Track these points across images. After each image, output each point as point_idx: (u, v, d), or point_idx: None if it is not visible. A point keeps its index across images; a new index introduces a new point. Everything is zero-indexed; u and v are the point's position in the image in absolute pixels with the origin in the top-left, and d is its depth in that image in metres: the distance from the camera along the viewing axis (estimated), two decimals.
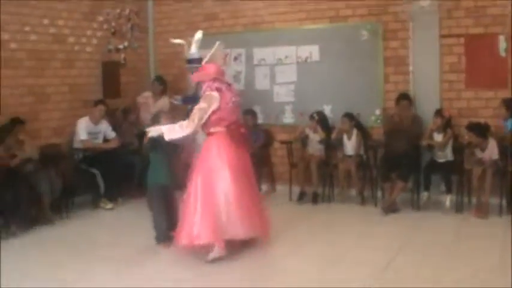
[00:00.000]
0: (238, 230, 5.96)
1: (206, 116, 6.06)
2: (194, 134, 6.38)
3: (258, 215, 6.26)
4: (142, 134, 6.78)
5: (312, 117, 8.74)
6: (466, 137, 7.78)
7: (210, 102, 6.07)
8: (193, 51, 6.64)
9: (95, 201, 8.61)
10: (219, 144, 6.11)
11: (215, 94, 6.08)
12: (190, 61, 6.91)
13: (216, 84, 6.14)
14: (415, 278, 5.44)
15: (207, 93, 6.14)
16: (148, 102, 9.73)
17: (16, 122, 7.73)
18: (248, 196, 6.12)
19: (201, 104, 6.09)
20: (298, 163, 8.80)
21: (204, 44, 6.63)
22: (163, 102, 9.58)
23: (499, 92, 7.97)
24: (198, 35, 6.50)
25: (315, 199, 8.55)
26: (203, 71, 6.28)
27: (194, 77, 6.46)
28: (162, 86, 9.78)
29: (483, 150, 7.65)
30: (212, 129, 6.16)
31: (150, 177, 6.61)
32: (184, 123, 6.06)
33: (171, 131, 6.06)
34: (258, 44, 9.58)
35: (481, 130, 7.65)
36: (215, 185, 5.96)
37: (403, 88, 8.49)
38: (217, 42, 6.47)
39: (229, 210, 5.91)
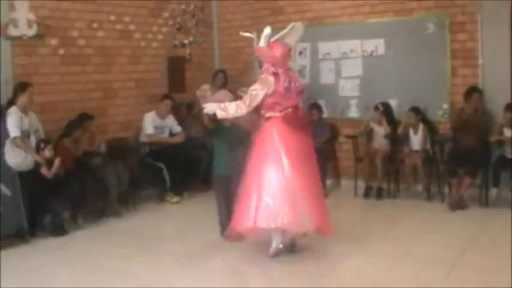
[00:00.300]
0: (291, 220, 5.72)
1: (258, 99, 5.93)
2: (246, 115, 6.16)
3: (315, 206, 5.92)
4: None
5: (376, 108, 8.64)
6: None
7: (263, 85, 5.96)
8: (262, 45, 6.60)
9: (161, 195, 8.73)
10: (272, 130, 5.95)
11: (270, 78, 5.95)
12: None
13: (273, 69, 5.99)
14: (483, 276, 5.32)
15: (263, 76, 6.07)
16: (206, 95, 9.77)
17: (85, 117, 7.91)
18: (304, 184, 5.84)
19: (255, 86, 6.00)
20: (364, 158, 8.71)
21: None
22: (223, 94, 9.60)
23: None
24: (267, 30, 6.44)
25: (380, 194, 8.47)
26: (268, 51, 6.13)
27: (257, 51, 6.34)
28: (226, 79, 9.82)
29: None
30: (268, 114, 6.03)
31: (214, 168, 6.67)
32: (238, 103, 5.99)
33: (224, 109, 5.98)
34: (323, 38, 9.52)
35: None
36: (268, 171, 5.82)
37: (472, 82, 8.30)
38: (293, 23, 6.31)
39: (281, 198, 5.74)
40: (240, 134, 6.28)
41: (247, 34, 6.66)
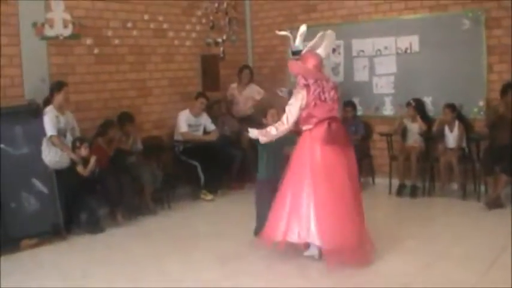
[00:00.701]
0: (314, 237, 5.71)
1: (294, 114, 5.90)
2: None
3: (345, 224, 5.68)
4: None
5: (408, 103, 8.59)
6: None
7: (296, 99, 5.92)
8: (298, 43, 6.56)
9: (195, 193, 8.78)
10: (306, 143, 5.92)
11: (302, 91, 5.91)
12: (294, 53, 6.88)
13: (303, 81, 5.93)
14: None
15: (295, 90, 6.07)
16: (234, 93, 9.85)
17: (124, 119, 8.07)
18: (335, 203, 5.69)
19: (290, 101, 5.99)
20: (398, 155, 8.64)
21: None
22: (251, 91, 9.69)
23: None
24: (303, 28, 6.39)
25: (414, 192, 8.41)
26: (300, 63, 6.09)
27: (290, 66, 6.28)
28: (251, 74, 9.88)
29: None
30: (304, 127, 5.99)
31: (258, 171, 6.60)
32: (278, 124, 6.00)
33: (265, 135, 6.02)
34: (357, 36, 9.47)
35: None
36: (300, 186, 5.82)
37: (508, 78, 8.16)
38: (322, 33, 6.15)
39: (308, 215, 5.72)
40: (285, 136, 6.20)
41: (282, 32, 6.63)
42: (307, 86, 5.87)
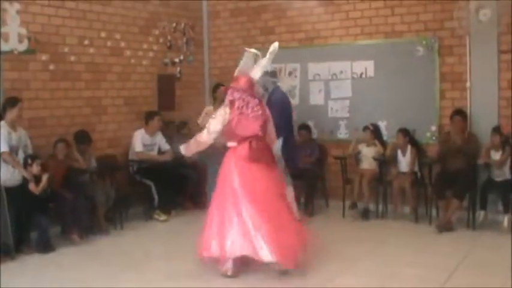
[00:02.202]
0: (241, 248, 5.75)
1: (216, 128, 5.95)
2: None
3: (275, 239, 5.72)
4: None
5: (366, 128, 8.69)
6: None
7: (219, 114, 6.02)
8: (267, 62, 6.49)
9: (149, 213, 8.70)
10: (230, 161, 5.96)
11: (225, 108, 5.98)
12: (265, 73, 6.86)
13: (230, 96, 6.00)
14: None
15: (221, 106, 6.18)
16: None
17: (82, 138, 8.01)
18: (260, 218, 5.72)
19: (213, 115, 6.14)
20: (353, 179, 8.72)
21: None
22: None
23: None
24: (274, 46, 6.40)
25: (366, 215, 8.49)
26: (234, 83, 6.12)
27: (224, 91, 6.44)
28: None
29: None
30: (228, 144, 6.05)
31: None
32: (198, 135, 6.13)
33: (187, 147, 6.18)
34: (313, 59, 9.57)
35: None
36: (224, 204, 5.86)
37: (460, 105, 8.37)
38: (250, 52, 6.27)
39: (232, 229, 5.76)
40: None
41: (252, 50, 6.62)
42: (232, 101, 5.93)
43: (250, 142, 5.85)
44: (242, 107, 5.87)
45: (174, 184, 8.82)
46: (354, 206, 8.61)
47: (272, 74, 7.04)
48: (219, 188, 5.98)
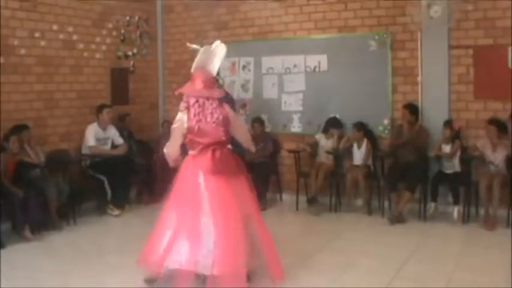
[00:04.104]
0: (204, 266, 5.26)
1: (175, 136, 5.48)
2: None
3: (228, 250, 5.25)
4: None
5: (357, 127, 8.66)
6: (486, 131, 7.84)
7: (175, 122, 5.49)
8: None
9: (102, 208, 8.61)
10: (188, 169, 5.42)
11: (183, 116, 5.40)
12: None
13: (185, 103, 5.41)
14: (425, 286, 5.46)
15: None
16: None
17: (20, 128, 7.75)
18: (217, 229, 5.25)
19: (172, 126, 5.59)
20: (310, 171, 8.78)
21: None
22: None
23: (507, 103, 7.96)
24: (216, 45, 6.23)
25: (314, 202, 8.55)
26: (188, 83, 5.54)
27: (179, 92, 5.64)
28: None
29: (495, 149, 7.71)
30: (190, 152, 5.49)
31: None
32: (166, 146, 5.65)
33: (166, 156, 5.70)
34: (267, 53, 9.60)
35: (501, 125, 7.73)
36: (177, 211, 5.42)
37: (412, 98, 8.50)
38: (206, 47, 5.64)
39: (185, 241, 5.30)
40: None
41: (194, 46, 6.55)
42: (187, 108, 5.37)
43: (213, 151, 5.33)
44: (199, 113, 5.34)
45: (127, 178, 8.76)
46: (313, 199, 8.61)
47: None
48: (175, 196, 5.47)
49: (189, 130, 5.34)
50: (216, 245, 5.20)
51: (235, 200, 5.35)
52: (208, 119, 5.32)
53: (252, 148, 5.97)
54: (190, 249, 5.24)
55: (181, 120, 5.38)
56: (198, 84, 5.38)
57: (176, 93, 5.62)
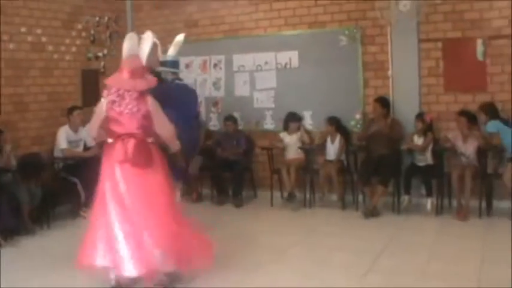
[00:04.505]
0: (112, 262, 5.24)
1: (95, 126, 5.51)
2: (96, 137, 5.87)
3: (141, 247, 5.17)
4: None
5: (330, 122, 8.67)
6: (457, 122, 7.91)
7: (97, 106, 5.53)
8: (170, 53, 6.35)
9: (76, 210, 8.54)
10: (106, 159, 5.40)
11: (103, 100, 5.39)
12: (164, 63, 6.63)
13: (105, 91, 5.39)
14: (398, 279, 5.49)
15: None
16: None
17: None
18: (129, 226, 5.18)
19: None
20: (281, 168, 8.77)
21: (184, 52, 6.56)
22: None
23: (477, 95, 8.05)
24: (179, 37, 6.22)
25: (291, 199, 8.53)
26: (116, 73, 5.51)
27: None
28: None
29: (466, 141, 7.79)
30: (108, 140, 5.47)
31: None
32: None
33: None
34: (238, 51, 9.59)
35: (471, 116, 7.79)
36: (96, 208, 5.45)
37: (383, 92, 8.55)
38: (129, 34, 5.70)
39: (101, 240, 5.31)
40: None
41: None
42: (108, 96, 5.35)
43: (124, 141, 5.26)
44: (114, 102, 5.24)
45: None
46: (289, 197, 8.57)
47: (172, 64, 6.65)
48: (100, 190, 5.42)
49: (107, 118, 5.34)
50: (127, 244, 5.15)
51: (144, 192, 5.27)
52: (123, 109, 5.23)
53: (175, 146, 5.70)
54: (110, 249, 5.23)
55: (101, 106, 5.37)
56: (125, 74, 5.33)
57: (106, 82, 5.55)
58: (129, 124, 5.27)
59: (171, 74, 6.66)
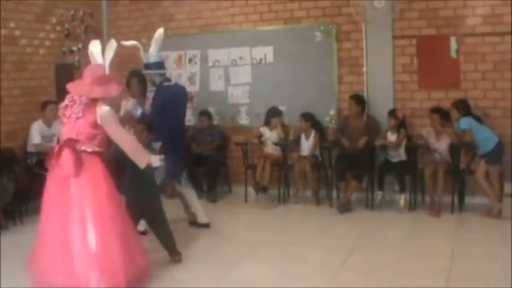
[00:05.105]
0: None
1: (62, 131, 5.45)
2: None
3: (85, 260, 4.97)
4: None
5: (305, 118, 8.66)
6: (430, 119, 7.98)
7: None
8: (152, 51, 6.25)
9: None
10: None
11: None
12: (148, 66, 6.46)
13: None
14: (371, 275, 5.56)
15: None
16: None
17: None
18: (72, 238, 5.00)
19: None
20: (257, 163, 8.77)
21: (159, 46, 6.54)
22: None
23: (450, 92, 8.12)
24: (159, 32, 6.11)
25: (263, 190, 8.48)
26: (78, 81, 5.51)
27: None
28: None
29: (439, 138, 7.86)
30: None
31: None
32: None
33: None
34: (213, 46, 9.56)
35: (444, 113, 7.87)
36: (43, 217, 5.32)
37: (358, 89, 8.59)
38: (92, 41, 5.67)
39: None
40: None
41: (129, 43, 6.45)
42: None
43: (61, 148, 5.11)
44: (67, 106, 5.19)
45: None
46: (263, 189, 8.50)
47: (156, 65, 6.54)
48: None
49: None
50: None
51: (63, 203, 5.08)
52: (71, 113, 5.14)
53: (140, 161, 5.39)
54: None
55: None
56: (86, 80, 5.26)
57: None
58: (72, 129, 5.16)
59: (158, 76, 6.53)
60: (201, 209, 7.37)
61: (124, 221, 5.28)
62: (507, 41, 7.85)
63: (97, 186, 5.10)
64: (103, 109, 5.17)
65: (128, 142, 5.37)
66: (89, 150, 5.16)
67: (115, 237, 5.07)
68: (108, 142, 5.33)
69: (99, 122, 5.13)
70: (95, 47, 5.56)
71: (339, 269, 5.73)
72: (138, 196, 5.79)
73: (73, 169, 5.03)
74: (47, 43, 9.32)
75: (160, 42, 6.24)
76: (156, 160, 5.45)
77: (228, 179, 9.43)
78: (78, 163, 5.05)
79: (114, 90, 5.34)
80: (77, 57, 9.78)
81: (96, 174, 5.15)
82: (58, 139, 8.56)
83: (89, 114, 5.13)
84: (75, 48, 9.77)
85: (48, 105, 8.65)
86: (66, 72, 9.56)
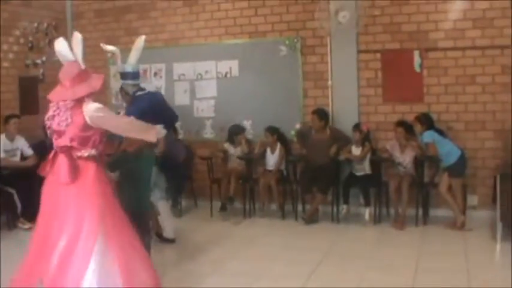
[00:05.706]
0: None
1: None
2: None
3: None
4: None
5: (270, 132, 8.68)
6: (394, 133, 8.07)
7: None
8: (131, 60, 5.95)
9: (13, 221, 8.37)
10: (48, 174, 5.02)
11: None
12: (124, 75, 6.18)
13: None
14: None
15: None
16: None
17: None
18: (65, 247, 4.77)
19: None
20: (222, 178, 8.77)
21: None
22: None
23: (414, 106, 8.21)
24: (139, 41, 5.82)
25: (229, 201, 8.46)
26: (58, 86, 5.08)
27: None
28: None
29: (403, 151, 7.94)
30: None
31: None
32: None
33: None
34: (178, 59, 9.56)
35: (409, 127, 7.95)
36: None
37: (322, 103, 8.63)
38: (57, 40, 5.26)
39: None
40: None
41: (110, 47, 6.31)
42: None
43: (56, 155, 4.90)
44: (54, 116, 4.85)
45: (37, 191, 8.50)
46: (229, 199, 8.46)
47: (133, 76, 6.24)
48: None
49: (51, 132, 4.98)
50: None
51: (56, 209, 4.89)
52: (59, 121, 4.83)
53: (149, 137, 5.14)
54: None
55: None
56: (65, 83, 4.88)
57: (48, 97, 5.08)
58: (62, 138, 4.89)
59: (131, 86, 6.35)
60: (171, 223, 7.31)
61: (124, 230, 5.02)
62: (468, 55, 7.99)
63: (93, 193, 4.85)
64: (90, 108, 4.84)
65: (129, 125, 5.11)
66: (86, 155, 4.90)
67: (116, 246, 4.83)
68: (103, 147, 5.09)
69: (89, 122, 4.82)
70: (61, 45, 5.21)
71: (304, 283, 5.72)
72: (130, 204, 5.65)
73: (68, 176, 4.81)
74: (10, 56, 9.24)
75: (140, 52, 6.02)
76: (161, 130, 5.24)
77: (194, 193, 9.38)
78: (74, 169, 4.83)
79: (97, 82, 4.97)
80: (41, 70, 9.70)
81: (92, 180, 4.88)
82: (22, 153, 8.50)
83: (77, 118, 4.82)
84: (39, 61, 9.68)
85: (11, 119, 8.54)
86: (30, 85, 9.49)
